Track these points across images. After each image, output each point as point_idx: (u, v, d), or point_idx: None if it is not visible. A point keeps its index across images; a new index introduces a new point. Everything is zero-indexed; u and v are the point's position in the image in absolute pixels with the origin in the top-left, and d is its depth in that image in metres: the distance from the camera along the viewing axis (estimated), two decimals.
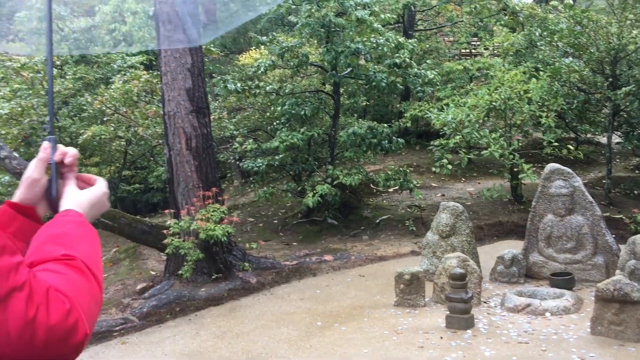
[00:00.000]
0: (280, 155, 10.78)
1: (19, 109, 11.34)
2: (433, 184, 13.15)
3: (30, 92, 12.24)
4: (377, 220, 10.95)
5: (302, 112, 10.61)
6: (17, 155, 7.80)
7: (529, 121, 10.27)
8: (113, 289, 8.51)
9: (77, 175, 1.36)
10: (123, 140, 12.17)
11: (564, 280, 6.85)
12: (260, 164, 10.88)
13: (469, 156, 10.14)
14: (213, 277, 7.94)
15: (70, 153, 1.33)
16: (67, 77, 13.25)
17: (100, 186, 1.35)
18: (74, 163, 1.34)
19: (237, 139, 11.32)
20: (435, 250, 7.68)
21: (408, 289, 6.59)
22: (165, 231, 7.60)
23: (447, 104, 11.32)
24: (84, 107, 12.37)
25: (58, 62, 14.39)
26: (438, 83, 11.84)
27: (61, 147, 1.32)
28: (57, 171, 1.32)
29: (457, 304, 5.87)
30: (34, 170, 1.27)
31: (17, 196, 1.27)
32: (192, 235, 7.59)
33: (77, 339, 1.00)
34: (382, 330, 5.95)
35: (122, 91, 11.07)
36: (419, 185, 11.13)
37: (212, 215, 7.62)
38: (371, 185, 12.09)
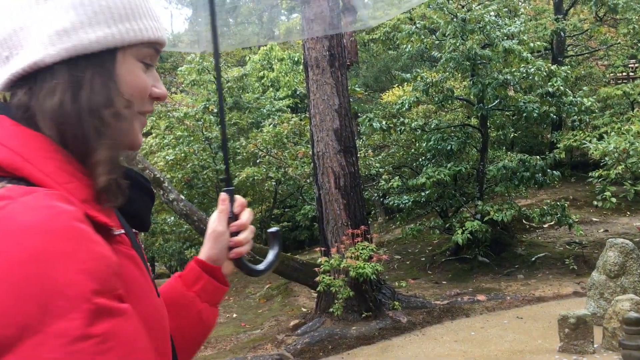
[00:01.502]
0: (427, 192, 10.63)
1: (182, 154, 12.36)
2: (594, 219, 12.19)
3: (192, 138, 13.32)
4: (533, 259, 10.34)
5: (448, 147, 10.42)
6: (183, 197, 8.44)
7: None
8: (267, 325, 8.80)
9: None
10: (273, 180, 12.74)
11: None
12: (406, 201, 10.80)
13: (635, 188, 9.29)
14: (363, 315, 7.93)
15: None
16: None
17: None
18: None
19: (383, 177, 11.37)
20: (602, 292, 7.06)
21: (574, 333, 6.09)
22: (316, 269, 7.76)
23: (606, 132, 10.55)
24: (238, 151, 13.18)
25: (215, 110, 15.56)
26: (595, 110, 11.08)
27: (239, 199, 1.21)
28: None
29: (633, 352, 5.31)
30: (217, 223, 1.17)
31: (204, 252, 1.19)
32: (342, 273, 7.68)
33: None
34: None
35: (272, 134, 11.66)
36: (578, 220, 10.38)
37: (361, 253, 7.66)
38: (524, 221, 11.49)
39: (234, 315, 9.77)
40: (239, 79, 16.82)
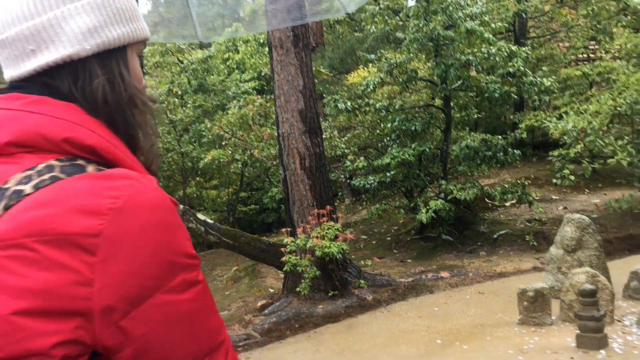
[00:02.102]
0: (392, 172, 10.76)
1: None
2: (553, 197, 12.52)
3: (156, 121, 13.14)
4: (495, 236, 10.59)
5: (413, 128, 10.54)
6: None
7: None
8: (235, 306, 8.84)
9: None
10: (240, 162, 12.71)
11: None
12: (372, 182, 10.91)
13: (593, 166, 9.57)
14: (329, 294, 8.03)
15: None
16: (188, 105, 14.11)
17: None
18: None
19: (349, 157, 11.45)
20: (560, 266, 7.29)
21: (532, 306, 6.29)
22: (282, 249, 7.81)
23: (565, 112, 10.81)
24: (203, 133, 13.09)
25: (179, 92, 15.38)
26: (555, 90, 11.32)
27: None
28: None
29: (588, 322, 5.52)
30: None
31: None
32: (308, 253, 7.75)
33: None
34: (506, 349, 5.72)
35: (238, 116, 11.60)
36: (538, 198, 10.64)
37: (327, 233, 7.74)
38: (487, 200, 11.73)
39: None
40: (203, 61, 16.64)
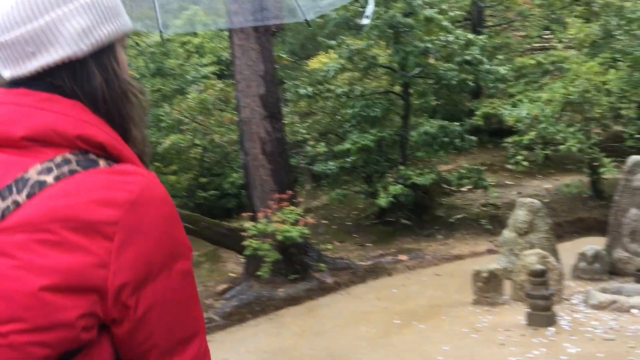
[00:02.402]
0: (352, 158, 10.89)
1: None
2: (508, 182, 12.88)
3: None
4: (452, 220, 10.86)
5: (373, 114, 10.67)
6: None
7: (608, 113, 9.92)
8: None
9: None
10: (199, 147, 12.63)
11: None
12: (332, 167, 11.02)
13: (545, 152, 9.90)
14: (290, 277, 8.13)
15: None
16: (146, 89, 13.90)
17: None
18: None
19: (309, 143, 11.52)
20: (512, 248, 7.56)
21: (486, 287, 6.53)
22: (243, 234, 7.86)
23: (520, 100, 11.10)
24: (162, 118, 12.93)
25: (137, 76, 15.12)
26: (510, 79, 11.62)
27: None
28: None
29: (537, 301, 5.78)
30: None
31: None
32: (269, 238, 7.82)
33: None
34: (461, 328, 5.94)
35: (197, 100, 11.51)
36: (493, 183, 10.95)
37: (288, 217, 7.82)
38: (444, 185, 11.99)
39: None
40: (161, 44, 16.37)
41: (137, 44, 17.28)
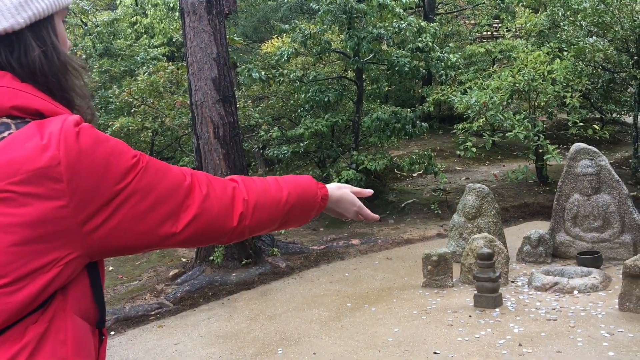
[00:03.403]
0: (305, 142, 10.90)
1: None
2: (457, 168, 13.18)
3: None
4: (403, 205, 11.04)
5: (326, 99, 10.69)
6: None
7: (553, 102, 10.23)
8: (146, 276, 8.74)
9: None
10: (150, 130, 12.38)
11: (591, 258, 6.89)
12: (285, 151, 11.02)
13: (493, 138, 10.15)
14: (243, 262, 8.13)
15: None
16: (93, 70, 13.51)
17: (356, 201, 1.65)
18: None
19: (262, 127, 11.46)
20: (461, 232, 7.76)
21: (436, 270, 6.69)
22: None
23: (470, 87, 11.33)
24: (110, 100, 12.61)
25: (83, 56, 14.67)
26: (461, 66, 11.83)
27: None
28: None
29: (485, 283, 5.96)
30: (355, 198, 1.68)
31: (331, 189, 1.63)
32: None
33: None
34: (411, 310, 6.07)
35: (148, 82, 11.27)
36: (443, 169, 11.17)
37: None
38: (395, 170, 12.16)
39: (110, 268, 9.57)
40: (109, 23, 15.93)
41: (84, 23, 16.77)
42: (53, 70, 1.12)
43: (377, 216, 1.73)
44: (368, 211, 1.70)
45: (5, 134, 1.01)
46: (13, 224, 0.97)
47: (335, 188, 1.60)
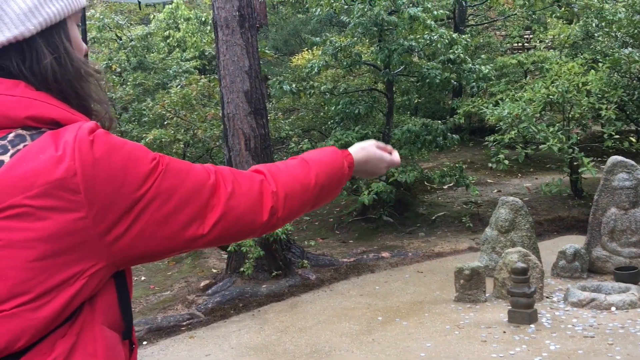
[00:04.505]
0: None
1: None
2: (489, 180, 13.02)
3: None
4: (433, 217, 10.94)
5: (356, 111, 10.69)
6: None
7: (588, 114, 10.06)
8: (177, 287, 8.81)
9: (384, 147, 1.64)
10: (182, 142, 12.54)
11: (629, 274, 6.72)
12: None
13: (526, 151, 10.01)
14: (273, 274, 8.13)
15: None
16: (128, 83, 13.77)
17: (384, 155, 1.60)
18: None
19: (293, 139, 11.51)
20: (494, 246, 7.65)
21: (468, 284, 6.60)
22: None
23: (501, 99, 11.21)
24: (144, 112, 12.81)
25: (118, 69, 14.98)
26: (492, 78, 11.72)
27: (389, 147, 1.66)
28: None
29: (519, 299, 5.86)
30: (382, 153, 1.62)
31: (355, 152, 1.57)
32: None
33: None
34: (443, 325, 5.99)
35: (180, 95, 11.43)
36: (474, 181, 11.04)
37: None
38: (426, 183, 12.07)
39: (142, 278, 9.68)
40: (142, 37, 16.23)
41: (119, 37, 17.11)
42: (67, 77, 1.09)
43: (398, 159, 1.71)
44: (397, 157, 1.68)
45: (21, 146, 0.99)
46: (32, 238, 0.95)
47: (359, 149, 1.55)
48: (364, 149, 1.55)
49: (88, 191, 0.97)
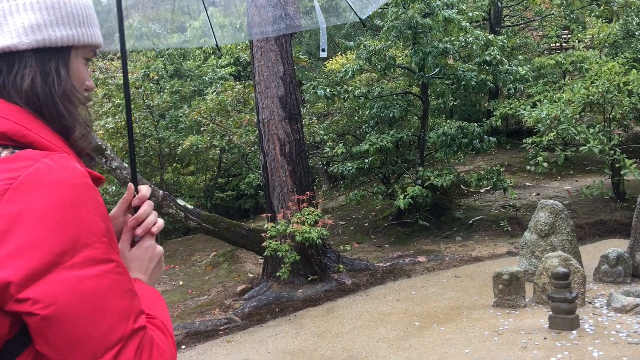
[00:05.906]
0: (370, 158, 10.87)
1: (123, 123, 12.10)
2: (527, 183, 12.79)
3: (132, 106, 13.02)
4: (470, 221, 10.80)
5: (391, 115, 10.65)
6: (126, 165, 8.34)
7: (629, 114, 9.80)
8: (215, 291, 8.90)
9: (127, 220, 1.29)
10: (217, 148, 12.69)
11: None
12: (350, 168, 11.02)
13: (565, 153, 9.80)
14: (309, 278, 8.14)
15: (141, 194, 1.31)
16: (165, 91, 14.01)
17: (157, 248, 1.29)
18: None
19: (327, 144, 11.53)
20: (533, 250, 7.50)
21: (507, 289, 6.48)
22: (263, 234, 7.88)
23: (539, 100, 11.01)
24: (181, 119, 13.02)
25: (155, 77, 15.25)
26: (530, 79, 11.53)
27: (143, 190, 1.31)
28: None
29: (560, 304, 5.72)
30: (115, 208, 1.30)
31: None
32: (288, 238, 7.83)
33: None
34: (482, 330, 5.90)
35: (216, 102, 11.57)
36: (512, 184, 10.87)
37: (307, 218, 7.82)
38: (462, 186, 11.94)
39: (180, 283, 9.82)
40: (179, 45, 16.45)
41: (156, 45, 17.43)
42: (50, 95, 1.07)
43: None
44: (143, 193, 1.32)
45: None
46: None
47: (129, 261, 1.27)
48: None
49: (4, 236, 0.90)
